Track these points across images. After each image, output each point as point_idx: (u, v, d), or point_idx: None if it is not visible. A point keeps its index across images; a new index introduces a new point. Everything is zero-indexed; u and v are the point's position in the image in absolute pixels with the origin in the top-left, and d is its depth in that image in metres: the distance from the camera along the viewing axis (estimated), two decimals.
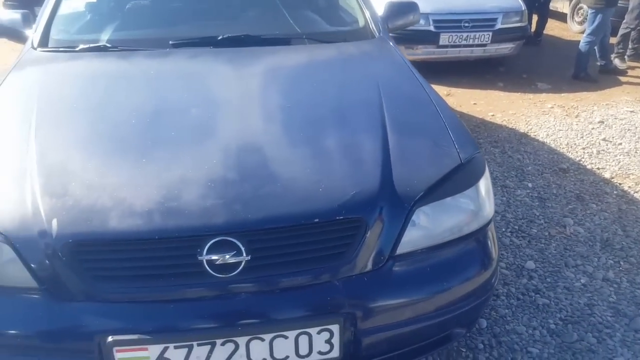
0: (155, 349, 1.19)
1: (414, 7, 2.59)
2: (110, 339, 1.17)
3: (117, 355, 1.18)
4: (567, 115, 4.19)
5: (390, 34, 4.20)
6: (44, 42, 2.06)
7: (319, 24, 2.44)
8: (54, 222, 1.21)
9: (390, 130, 1.56)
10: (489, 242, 1.50)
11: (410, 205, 1.36)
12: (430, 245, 1.39)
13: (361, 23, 2.40)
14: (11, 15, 2.24)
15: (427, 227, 1.40)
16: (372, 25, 2.35)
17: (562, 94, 4.70)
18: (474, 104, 4.50)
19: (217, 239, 1.21)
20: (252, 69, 1.95)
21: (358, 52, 2.17)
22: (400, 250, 1.35)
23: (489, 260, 1.48)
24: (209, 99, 1.73)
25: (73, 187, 1.29)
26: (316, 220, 1.27)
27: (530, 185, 3.04)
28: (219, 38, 2.08)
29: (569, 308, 2.04)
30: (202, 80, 1.86)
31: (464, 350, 1.83)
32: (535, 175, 3.16)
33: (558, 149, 3.54)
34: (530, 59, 5.74)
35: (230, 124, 1.57)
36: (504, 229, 2.58)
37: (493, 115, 4.21)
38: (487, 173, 1.56)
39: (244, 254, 1.22)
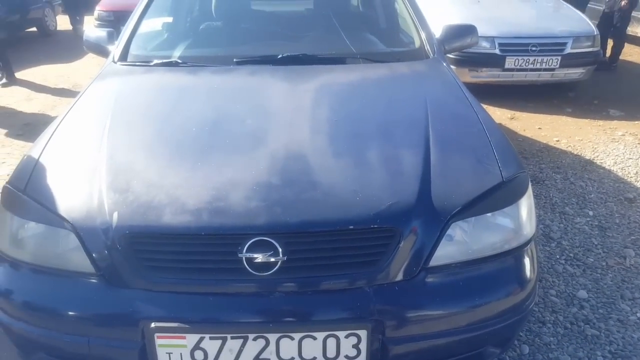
0: (192, 338, 1.28)
1: (471, 30, 2.60)
2: (153, 325, 1.27)
3: (158, 341, 1.28)
4: (639, 143, 3.95)
5: (450, 55, 4.21)
6: (123, 56, 2.30)
7: (374, 44, 2.52)
8: (115, 215, 1.35)
9: (434, 146, 1.59)
10: (527, 262, 1.48)
11: (447, 219, 1.38)
12: (465, 260, 1.40)
13: (417, 44, 2.45)
14: (98, 33, 2.51)
15: (463, 241, 1.41)
16: (427, 47, 2.39)
17: (636, 122, 4.44)
18: (539, 128, 4.36)
19: (256, 239, 1.30)
20: (306, 85, 2.06)
21: (410, 72, 2.22)
22: (434, 262, 1.37)
23: (526, 280, 1.45)
24: (263, 111, 1.85)
25: (135, 185, 1.43)
26: (351, 227, 1.33)
27: (591, 213, 2.90)
28: (279, 57, 2.21)
29: (621, 342, 1.93)
30: (259, 94, 1.99)
31: None
32: (598, 204, 3.01)
33: (625, 178, 3.35)
34: (603, 85, 5.48)
35: (279, 134, 1.67)
36: (558, 256, 2.48)
37: (558, 141, 4.06)
38: (529, 193, 1.54)
39: (281, 255, 1.29)
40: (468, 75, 4.89)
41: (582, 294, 2.20)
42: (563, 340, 1.94)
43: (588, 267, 2.40)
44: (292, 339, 1.29)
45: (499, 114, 4.65)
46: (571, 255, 2.50)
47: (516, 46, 4.81)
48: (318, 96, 1.95)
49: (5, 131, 4.49)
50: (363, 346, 1.30)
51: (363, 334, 1.29)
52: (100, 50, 2.48)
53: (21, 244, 1.44)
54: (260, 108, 1.87)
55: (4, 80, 6.14)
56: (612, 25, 5.95)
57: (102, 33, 2.50)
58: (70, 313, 1.34)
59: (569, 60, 4.84)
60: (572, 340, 1.94)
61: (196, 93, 2.03)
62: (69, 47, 7.62)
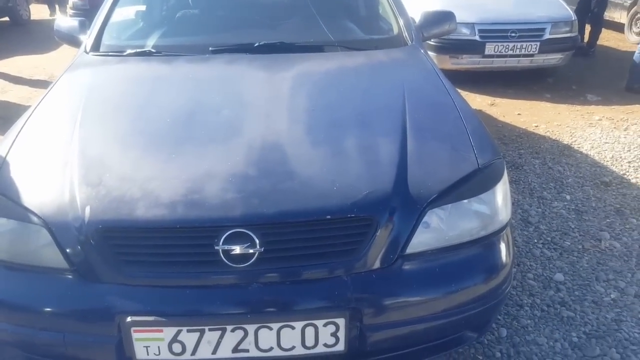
0: (169, 331, 1.27)
1: (450, 17, 2.61)
2: (129, 319, 1.26)
3: (135, 335, 1.27)
4: (615, 127, 4.02)
5: (431, 42, 4.21)
6: (95, 46, 2.24)
7: (352, 32, 2.50)
8: (87, 209, 1.32)
9: (410, 134, 1.59)
10: (503, 248, 1.49)
11: (423, 206, 1.39)
12: (441, 247, 1.41)
13: (395, 31, 2.44)
14: (70, 23, 2.45)
15: (439, 228, 1.42)
16: (405, 34, 2.38)
17: (613, 107, 4.51)
18: (518, 114, 4.40)
19: (233, 231, 1.29)
20: (283, 74, 2.04)
21: (388, 59, 2.21)
22: (411, 250, 1.38)
23: (501, 265, 1.47)
24: (240, 101, 1.83)
25: (107, 178, 1.41)
26: (328, 217, 1.33)
27: (568, 197, 2.95)
28: (255, 45, 2.18)
29: (595, 322, 1.98)
30: (236, 84, 1.97)
31: (481, 357, 1.82)
32: (575, 188, 3.06)
33: (602, 162, 3.41)
34: (581, 70, 5.54)
35: (256, 125, 1.66)
36: (535, 240, 2.52)
37: (537, 126, 4.11)
38: (505, 179, 1.56)
39: (258, 246, 1.28)
40: (449, 62, 4.90)
41: (559, 276, 2.24)
42: (540, 323, 1.98)
43: (565, 251, 2.44)
44: (271, 329, 1.29)
45: (480, 101, 4.68)
46: (548, 239, 2.54)
47: (496, 32, 4.84)
48: (295, 85, 1.93)
49: None
50: (341, 334, 1.31)
51: (341, 322, 1.30)
52: (72, 40, 2.42)
53: None
54: (236, 98, 1.85)
55: None
56: (589, 11, 6.01)
57: (73, 22, 2.44)
58: (44, 309, 1.32)
59: (548, 46, 4.89)
60: (549, 323, 1.98)
61: (171, 83, 2.00)
62: (43, 37, 7.42)
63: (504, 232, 1.51)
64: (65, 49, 6.86)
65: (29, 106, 1.80)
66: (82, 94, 1.86)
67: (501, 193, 1.52)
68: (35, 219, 1.34)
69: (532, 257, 2.39)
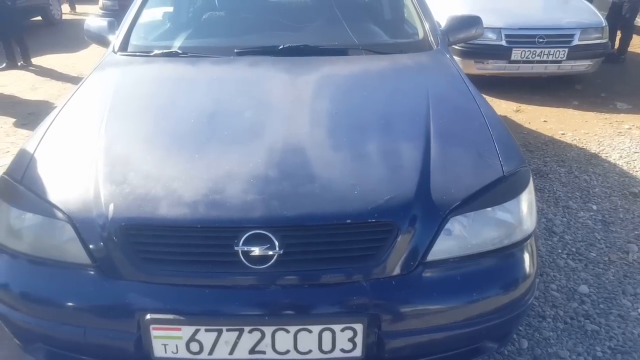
0: (187, 330, 1.28)
1: (476, 21, 2.57)
2: (148, 316, 1.28)
3: (153, 332, 1.28)
4: None
5: (456, 47, 4.16)
6: (123, 47, 2.28)
7: (377, 35, 2.49)
8: (111, 207, 1.34)
9: (434, 140, 1.57)
10: (527, 257, 1.46)
11: (445, 213, 1.37)
12: (463, 255, 1.39)
13: (420, 35, 2.42)
14: (99, 23, 2.50)
15: (462, 236, 1.39)
16: (430, 38, 2.36)
17: None
18: (544, 121, 4.32)
19: (253, 232, 1.29)
20: (307, 77, 2.04)
21: (413, 64, 2.19)
22: (432, 257, 1.36)
23: (525, 275, 1.44)
24: (263, 103, 1.83)
25: (131, 177, 1.43)
26: (348, 221, 1.32)
27: (594, 207, 2.88)
28: (280, 47, 2.19)
29: (621, 337, 1.92)
30: (259, 86, 1.98)
31: None
32: (602, 198, 2.98)
33: (631, 172, 3.32)
34: (611, 78, 5.41)
35: (278, 127, 1.66)
36: (560, 251, 2.46)
37: (563, 134, 4.02)
38: (531, 187, 1.53)
39: (277, 248, 1.28)
40: (474, 67, 4.84)
41: (583, 288, 2.19)
42: (562, 335, 1.93)
43: (590, 262, 2.38)
44: (288, 332, 1.29)
45: (505, 107, 4.61)
46: (573, 249, 2.48)
47: (523, 38, 4.76)
48: (318, 88, 1.93)
49: (9, 120, 4.50)
50: (359, 340, 1.30)
51: (359, 327, 1.29)
52: (101, 40, 2.47)
53: (18, 234, 1.43)
54: (259, 100, 1.86)
55: (21, 63, 6.23)
56: (621, 16, 5.86)
57: (102, 23, 2.49)
58: (66, 304, 1.35)
59: (577, 52, 4.78)
60: (572, 335, 1.93)
61: (196, 84, 2.02)
62: (74, 36, 7.60)
63: (528, 242, 1.48)
64: (94, 48, 7.02)
65: (58, 103, 1.83)
66: (109, 92, 1.90)
67: (526, 202, 1.49)
68: (60, 214, 1.37)
69: (555, 268, 2.33)
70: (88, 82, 2.02)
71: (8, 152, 3.82)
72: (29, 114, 4.65)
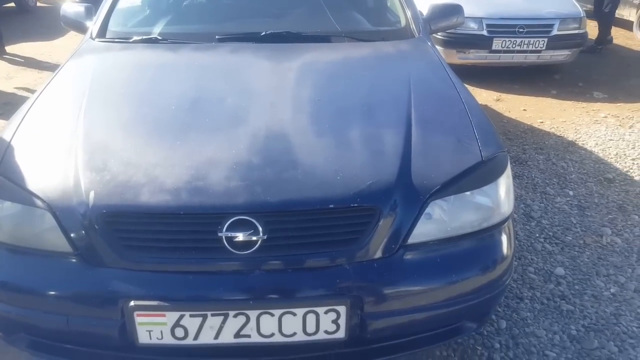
0: (172, 316, 1.28)
1: (458, 10, 2.60)
2: (132, 303, 1.27)
3: (137, 319, 1.28)
4: (620, 125, 4.00)
5: (438, 36, 4.17)
6: (101, 33, 2.24)
7: (359, 23, 2.50)
8: (92, 194, 1.33)
9: (415, 126, 1.60)
10: (504, 240, 1.50)
11: (425, 197, 1.40)
12: (443, 238, 1.42)
13: (402, 23, 2.43)
14: (76, 8, 2.45)
15: (442, 220, 1.42)
16: (412, 26, 2.38)
17: (619, 104, 4.49)
18: (524, 110, 4.39)
19: (236, 218, 1.29)
20: (289, 64, 2.04)
21: (394, 51, 2.21)
22: (412, 240, 1.38)
23: (502, 256, 1.48)
24: (244, 89, 1.83)
25: (112, 164, 1.42)
26: (331, 206, 1.33)
27: (571, 193, 2.95)
28: (262, 34, 2.18)
29: (594, 316, 1.99)
30: (241, 72, 1.97)
31: (480, 348, 1.83)
32: (578, 184, 3.06)
33: (606, 159, 3.40)
34: (589, 67, 5.51)
35: (260, 114, 1.66)
36: (537, 235, 2.53)
37: (542, 122, 4.10)
38: (508, 172, 1.56)
39: (261, 234, 1.29)
40: (455, 57, 4.88)
41: (560, 270, 2.25)
42: (539, 315, 1.99)
43: (566, 245, 2.45)
44: (272, 315, 1.30)
45: (485, 96, 4.67)
46: (550, 233, 2.55)
47: (504, 27, 4.81)
48: (301, 75, 1.93)
49: None
50: (342, 321, 1.32)
51: (342, 309, 1.31)
52: (78, 26, 2.43)
53: None
54: (241, 86, 1.86)
55: None
56: (600, 8, 5.95)
57: (80, 8, 2.44)
58: (48, 292, 1.34)
59: (556, 42, 4.86)
60: (548, 315, 1.99)
61: (176, 70, 2.00)
62: (49, 24, 7.42)
63: (506, 224, 1.52)
64: (71, 37, 6.87)
65: (34, 92, 1.80)
66: (88, 79, 1.87)
67: (504, 186, 1.52)
68: (39, 202, 1.35)
69: (533, 251, 2.40)
70: (65, 69, 1.99)
71: None
72: (4, 103, 4.54)
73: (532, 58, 4.94)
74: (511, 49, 4.84)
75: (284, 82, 1.87)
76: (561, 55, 5.00)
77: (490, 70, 5.07)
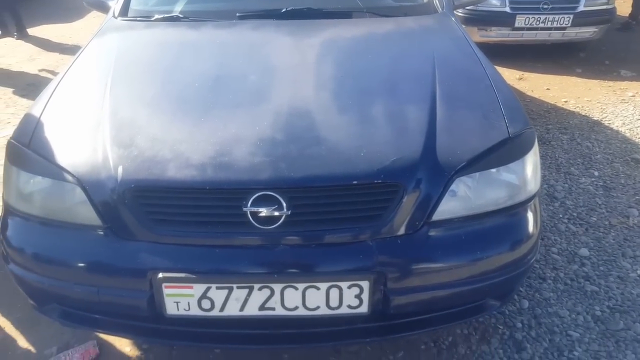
0: (199, 288, 1.31)
1: None
2: (160, 275, 1.30)
3: (166, 290, 1.31)
4: None
5: (459, 14, 4.07)
6: (124, 11, 2.25)
7: None
8: (120, 169, 1.35)
9: (440, 102, 1.58)
10: (530, 217, 1.48)
11: (451, 174, 1.38)
12: (468, 215, 1.41)
13: None
14: None
15: (467, 197, 1.41)
16: (435, 1, 2.33)
17: None
18: (547, 89, 4.29)
19: (261, 193, 1.30)
20: (310, 40, 2.02)
21: (418, 27, 2.17)
22: (437, 217, 1.38)
23: (528, 234, 1.46)
24: (267, 66, 1.83)
25: (138, 140, 1.43)
26: (354, 182, 1.33)
27: (596, 173, 2.89)
28: (282, 11, 2.16)
29: (619, 297, 1.96)
30: (263, 49, 1.96)
31: (501, 327, 1.83)
32: (604, 164, 3.00)
33: (633, 139, 3.32)
34: (615, 45, 5.34)
35: (283, 90, 1.66)
36: (561, 215, 2.49)
37: (566, 102, 4.01)
38: (535, 149, 1.54)
39: (285, 209, 1.30)
40: (477, 35, 4.77)
41: (584, 251, 2.22)
42: (562, 296, 1.98)
43: (591, 226, 2.41)
44: (296, 289, 1.32)
45: (507, 75, 4.57)
46: (574, 214, 2.51)
47: (527, 4, 4.67)
48: (323, 51, 1.91)
49: (9, 91, 4.47)
50: (365, 296, 1.33)
51: (365, 285, 1.32)
52: (100, 5, 2.44)
53: (28, 198, 1.45)
54: (263, 63, 1.85)
55: (15, 34, 6.15)
56: None
57: None
58: (79, 264, 1.37)
59: (582, 19, 4.70)
60: (572, 296, 1.98)
61: (198, 48, 2.00)
62: (68, 6, 7.46)
63: (532, 202, 1.50)
64: (90, 19, 6.92)
65: (57, 73, 1.82)
66: (112, 57, 1.88)
67: (531, 163, 1.50)
68: (69, 177, 1.38)
69: (556, 232, 2.37)
70: (90, 47, 2.01)
71: (9, 123, 3.81)
72: (28, 84, 4.61)
73: (556, 35, 4.80)
74: (535, 26, 4.71)
75: (306, 58, 1.85)
76: (587, 32, 4.84)
77: (513, 48, 4.95)
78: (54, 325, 1.83)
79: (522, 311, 1.90)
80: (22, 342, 1.82)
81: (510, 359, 1.71)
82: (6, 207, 1.49)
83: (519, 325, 1.84)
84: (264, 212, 1.30)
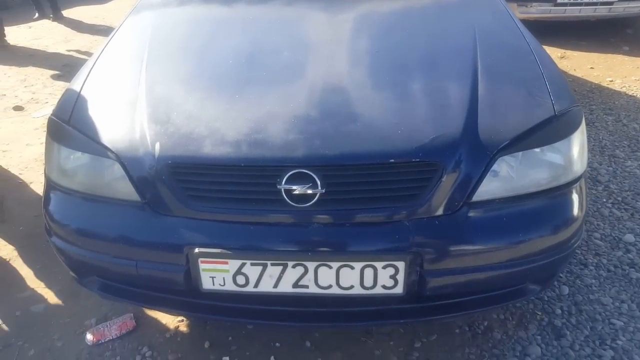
0: (234, 264, 1.32)
1: None
2: (197, 250, 1.31)
3: (202, 265, 1.33)
4: None
5: None
6: None
7: None
8: (157, 146, 1.36)
9: (482, 77, 1.52)
10: (576, 200, 1.42)
11: (493, 153, 1.33)
12: (510, 196, 1.35)
13: None
14: None
15: (509, 177, 1.36)
16: None
17: None
18: (591, 68, 4.10)
19: (295, 171, 1.29)
20: (346, 14, 1.97)
21: (457, 0, 2.08)
22: (477, 198, 1.33)
23: (572, 217, 1.40)
24: (301, 42, 1.79)
25: (175, 116, 1.43)
26: (391, 160, 1.30)
27: None
28: None
29: None
30: (297, 25, 1.93)
31: (539, 313, 1.77)
32: None
33: None
34: None
35: (318, 66, 1.62)
36: (604, 200, 2.39)
37: (612, 81, 3.82)
38: (583, 128, 1.46)
39: (319, 187, 1.28)
40: (517, 11, 4.56)
41: (629, 237, 2.13)
42: (605, 283, 1.90)
43: (637, 211, 2.30)
44: (330, 267, 1.30)
45: (549, 53, 4.37)
46: (619, 199, 2.40)
47: None
48: (359, 26, 1.86)
49: (46, 72, 4.59)
50: (400, 277, 1.31)
51: (401, 265, 1.29)
52: None
53: (69, 173, 1.48)
54: (297, 39, 1.82)
55: (51, 16, 6.30)
56: None
57: None
58: (118, 238, 1.39)
59: None
60: (615, 283, 1.90)
61: (232, 24, 1.99)
62: None
63: (578, 183, 1.43)
64: (122, 0, 7.00)
65: (91, 54, 1.84)
66: (147, 35, 1.89)
67: (577, 143, 1.43)
68: (109, 153, 1.40)
69: (600, 217, 2.27)
70: (125, 25, 2.02)
71: (47, 102, 3.91)
72: (64, 65, 4.72)
73: (602, 11, 4.54)
74: (579, 1, 4.47)
75: (341, 33, 1.81)
76: (636, 6, 4.56)
77: (555, 25, 4.74)
78: (93, 298, 1.88)
79: (562, 297, 1.84)
80: (64, 313, 1.88)
81: (548, 346, 1.66)
82: (48, 182, 1.53)
83: (558, 311, 1.78)
84: (298, 190, 1.28)
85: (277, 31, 1.88)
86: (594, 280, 1.91)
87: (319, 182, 1.28)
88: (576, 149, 1.42)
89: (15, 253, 2.21)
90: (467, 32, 1.75)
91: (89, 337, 1.76)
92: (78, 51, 5.16)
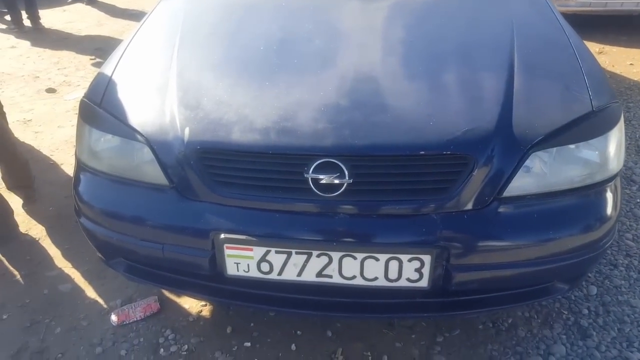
0: (259, 251, 1.32)
1: None
2: (222, 236, 1.32)
3: (227, 251, 1.33)
4: None
5: None
6: None
7: None
8: (187, 131, 1.37)
9: (518, 70, 1.47)
10: (609, 199, 1.37)
11: (526, 148, 1.30)
12: (542, 192, 1.32)
13: None
14: None
15: (542, 173, 1.32)
16: None
17: None
18: (631, 64, 3.96)
19: (323, 160, 1.28)
20: (380, 3, 1.94)
21: None
22: (508, 193, 1.30)
23: (605, 217, 1.36)
24: (333, 30, 1.77)
25: (205, 102, 1.44)
26: (422, 152, 1.27)
27: None
28: None
29: None
30: (329, 13, 1.91)
31: (566, 312, 1.74)
32: None
33: None
34: None
35: (349, 55, 1.60)
36: (638, 200, 2.31)
37: None
38: (621, 125, 1.41)
39: (347, 177, 1.27)
40: (555, 3, 4.40)
41: None
42: (635, 285, 1.85)
43: None
44: (355, 258, 1.30)
45: None
46: None
47: None
48: (392, 14, 1.83)
49: (78, 56, 4.67)
50: (426, 271, 1.29)
51: (427, 259, 1.28)
52: None
53: (99, 155, 1.50)
54: (329, 27, 1.80)
55: (85, 1, 6.41)
56: None
57: None
58: (146, 221, 1.41)
59: None
60: None
61: (264, 11, 1.97)
62: None
63: (613, 182, 1.38)
64: None
65: (124, 38, 1.86)
66: (179, 20, 1.89)
67: (615, 140, 1.38)
68: (138, 136, 1.41)
69: (632, 217, 2.20)
70: (157, 10, 2.03)
71: (79, 86, 3.99)
72: (96, 49, 4.79)
73: None
74: None
75: (374, 22, 1.78)
76: None
77: (594, 20, 4.58)
78: (119, 279, 1.92)
79: (590, 297, 1.79)
80: (90, 293, 1.93)
81: (574, 346, 1.63)
82: (78, 163, 1.56)
83: (585, 311, 1.74)
84: (324, 179, 1.27)
85: (309, 18, 1.86)
86: (623, 282, 1.86)
87: (346, 172, 1.27)
88: (613, 146, 1.37)
89: (45, 233, 2.27)
90: (504, 23, 1.71)
91: (114, 318, 1.80)
92: (110, 36, 5.23)
